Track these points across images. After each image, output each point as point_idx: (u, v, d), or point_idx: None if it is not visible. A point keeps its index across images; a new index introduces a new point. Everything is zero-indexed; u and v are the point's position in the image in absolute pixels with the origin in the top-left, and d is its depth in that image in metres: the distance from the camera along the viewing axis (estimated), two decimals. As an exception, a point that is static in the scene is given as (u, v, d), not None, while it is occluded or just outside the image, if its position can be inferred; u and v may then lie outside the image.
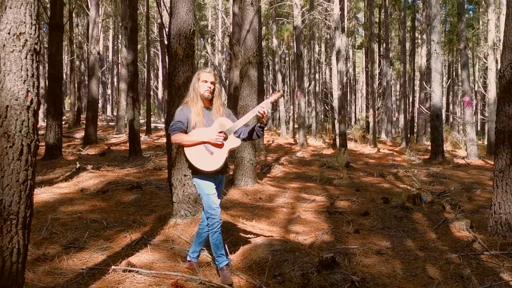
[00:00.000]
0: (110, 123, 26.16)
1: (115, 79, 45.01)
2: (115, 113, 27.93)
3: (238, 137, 4.01)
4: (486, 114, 18.72)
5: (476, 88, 33.15)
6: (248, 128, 4.04)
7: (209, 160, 3.83)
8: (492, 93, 17.32)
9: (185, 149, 3.84)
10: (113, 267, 3.97)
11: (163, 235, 5.14)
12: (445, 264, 4.46)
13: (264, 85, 27.45)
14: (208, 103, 3.97)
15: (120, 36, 29.46)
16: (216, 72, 32.89)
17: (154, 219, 5.78)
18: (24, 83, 2.64)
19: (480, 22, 31.69)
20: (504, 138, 5.19)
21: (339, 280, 3.70)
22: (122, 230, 5.28)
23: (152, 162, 11.19)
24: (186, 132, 3.84)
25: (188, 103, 3.92)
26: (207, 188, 3.87)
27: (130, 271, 3.93)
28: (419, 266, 4.43)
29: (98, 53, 16.70)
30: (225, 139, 3.86)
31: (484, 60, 20.46)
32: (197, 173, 3.86)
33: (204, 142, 3.81)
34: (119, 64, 24.76)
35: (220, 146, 3.84)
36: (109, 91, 43.75)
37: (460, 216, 6.11)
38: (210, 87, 3.91)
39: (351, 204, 7.05)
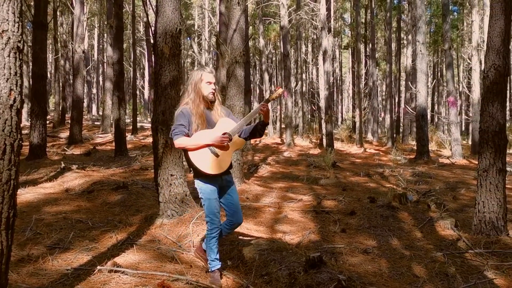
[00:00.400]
0: (95, 123, 25.92)
1: (100, 78, 44.66)
2: (100, 113, 27.69)
3: (240, 136, 3.89)
4: (470, 114, 18.94)
5: (460, 89, 33.52)
6: (250, 126, 3.92)
7: (215, 162, 3.71)
8: (476, 94, 17.53)
9: (189, 152, 3.68)
10: (98, 267, 3.93)
11: (149, 235, 5.11)
12: (430, 262, 4.50)
13: (251, 85, 27.46)
14: (208, 103, 3.83)
15: (105, 34, 29.21)
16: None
17: (140, 219, 5.74)
18: (7, 81, 2.60)
19: (465, 24, 32.09)
20: (488, 138, 5.26)
21: (325, 279, 3.70)
22: (108, 231, 5.23)
23: (138, 162, 11.11)
24: (188, 135, 3.69)
25: (189, 104, 3.75)
26: (209, 193, 3.75)
27: (115, 271, 3.90)
28: (404, 265, 4.46)
29: (83, 51, 16.54)
30: (230, 140, 3.74)
31: (469, 61, 20.71)
32: (199, 175, 3.73)
33: (209, 145, 3.67)
34: (105, 63, 24.56)
35: (225, 148, 3.73)
36: (94, 90, 43.36)
37: (445, 215, 6.17)
38: (214, 89, 3.79)
39: (337, 204, 7.07)
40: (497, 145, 5.21)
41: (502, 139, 5.24)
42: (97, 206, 6.52)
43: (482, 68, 5.47)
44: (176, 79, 5.55)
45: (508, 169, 11.89)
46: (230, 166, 3.89)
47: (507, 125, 29.62)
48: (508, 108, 33.90)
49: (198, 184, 3.78)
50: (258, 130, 3.88)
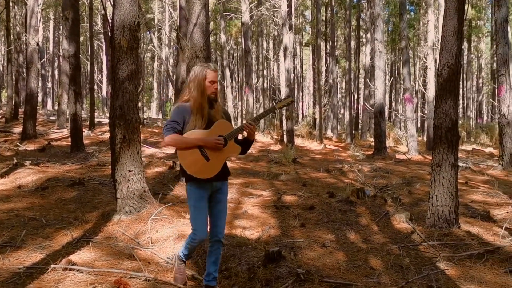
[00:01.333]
0: (51, 118, 25.09)
1: (56, 72, 43.30)
2: (56, 108, 26.88)
3: (236, 142, 3.58)
4: (426, 112, 19.52)
5: (417, 87, 34.50)
6: (241, 140, 3.64)
7: (204, 166, 3.40)
8: (431, 91, 18.08)
9: (179, 153, 3.40)
10: (52, 266, 3.82)
11: (106, 232, 5.00)
12: (386, 255, 4.61)
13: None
14: (211, 102, 3.52)
15: (61, 27, 28.34)
16: (164, 67, 32.38)
17: (97, 216, 5.60)
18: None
19: (421, 23, 33.03)
20: (441, 134, 5.43)
21: (284, 273, 3.74)
22: (63, 228, 5.08)
23: (96, 158, 10.85)
24: (181, 134, 3.41)
25: (189, 102, 3.46)
26: (195, 199, 3.43)
27: (70, 269, 3.79)
28: (361, 258, 4.55)
29: (37, 44, 15.96)
30: (225, 144, 3.44)
31: (424, 60, 21.32)
32: (189, 179, 3.43)
33: (201, 145, 3.38)
34: (61, 57, 23.83)
35: (218, 151, 3.42)
36: (49, 85, 41.98)
37: (400, 209, 6.34)
38: (216, 89, 3.52)
39: (297, 199, 7.14)
40: (449, 140, 5.39)
41: (455, 135, 5.42)
42: (52, 203, 6.32)
43: (437, 66, 5.64)
44: (134, 73, 5.44)
45: (460, 164, 12.36)
46: (226, 173, 3.59)
47: (459, 122, 30.75)
48: (460, 105, 35.20)
49: (187, 188, 3.49)
50: (243, 145, 3.61)
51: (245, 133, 3.56)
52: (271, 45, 36.77)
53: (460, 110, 35.68)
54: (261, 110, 30.21)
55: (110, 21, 5.70)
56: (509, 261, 4.34)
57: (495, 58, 12.64)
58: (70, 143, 12.43)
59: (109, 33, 5.73)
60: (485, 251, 4.60)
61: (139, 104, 18.80)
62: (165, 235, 4.89)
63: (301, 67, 44.56)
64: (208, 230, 3.54)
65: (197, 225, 3.44)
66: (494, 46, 14.65)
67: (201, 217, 3.45)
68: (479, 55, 39.70)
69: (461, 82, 35.04)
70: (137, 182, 5.47)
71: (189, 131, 3.39)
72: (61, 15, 23.60)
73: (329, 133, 26.80)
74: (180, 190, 7.51)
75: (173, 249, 4.56)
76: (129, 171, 5.41)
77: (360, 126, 26.89)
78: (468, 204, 6.83)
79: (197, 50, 8.01)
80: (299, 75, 42.18)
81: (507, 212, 6.14)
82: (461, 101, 35.86)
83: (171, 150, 13.83)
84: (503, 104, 11.33)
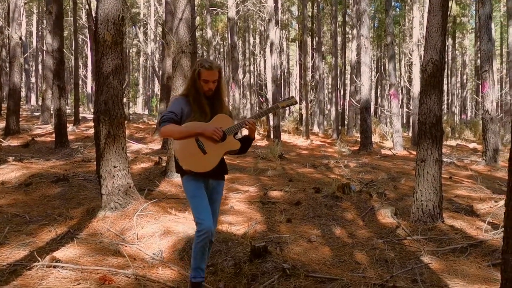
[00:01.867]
0: (35, 113, 24.76)
1: (40, 67, 42.74)
2: (40, 103, 26.52)
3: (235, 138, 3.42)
4: (411, 107, 19.69)
5: (402, 83, 34.77)
6: (240, 138, 3.46)
7: (200, 159, 3.22)
8: (416, 87, 18.23)
9: (174, 145, 3.24)
10: (36, 262, 3.77)
11: (91, 228, 4.96)
12: (371, 249, 4.65)
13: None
14: (210, 100, 3.37)
15: (44, 21, 27.91)
16: (150, 62, 32.11)
17: (81, 212, 5.55)
18: None
19: (406, 19, 33.24)
20: (425, 129, 5.48)
21: (270, 268, 3.75)
22: (47, 225, 5.02)
23: (80, 154, 10.74)
24: (178, 124, 3.25)
25: (188, 96, 3.34)
26: (193, 190, 3.25)
27: (54, 266, 3.75)
28: (347, 252, 4.58)
29: (20, 38, 15.71)
30: (223, 137, 3.27)
31: (410, 56, 21.47)
32: (184, 173, 3.26)
33: (198, 134, 3.19)
34: (44, 51, 23.49)
35: (216, 144, 3.26)
36: (33, 80, 41.43)
37: (385, 204, 6.40)
38: (211, 88, 3.33)
39: (284, 194, 7.16)
40: (434, 136, 5.45)
41: (439, 130, 5.48)
42: (35, 199, 6.24)
43: (421, 62, 5.68)
44: (118, 68, 5.38)
45: (444, 159, 12.49)
46: (223, 171, 3.43)
47: (444, 118, 31.09)
48: (445, 101, 35.57)
49: (183, 183, 3.32)
50: (243, 144, 3.44)
51: (244, 132, 3.50)
52: (257, 41, 36.70)
53: (445, 106, 36.07)
54: (248, 106, 30.19)
55: (94, 15, 5.63)
56: (491, 255, 4.40)
57: (479, 55, 12.78)
58: (54, 139, 12.28)
59: (93, 28, 5.66)
60: (468, 245, 4.66)
61: (125, 99, 18.66)
62: (151, 231, 4.86)
63: (288, 62, 44.62)
64: None
65: (200, 213, 3.18)
66: (478, 43, 14.80)
67: (203, 204, 3.22)
68: (464, 51, 40.13)
69: (445, 79, 35.41)
70: (122, 178, 5.42)
71: (188, 123, 3.24)
72: (45, 9, 23.26)
73: (316, 128, 26.90)
74: (166, 186, 7.48)
75: (159, 245, 4.54)
76: (114, 166, 5.36)
77: (346, 122, 27.02)
78: (452, 199, 6.91)
79: (182, 45, 7.96)
80: (285, 71, 42.22)
81: (490, 207, 6.22)
82: (445, 97, 36.25)
83: (157, 146, 13.75)
84: (487, 100, 11.47)
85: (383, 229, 5.45)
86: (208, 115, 3.30)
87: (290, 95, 3.10)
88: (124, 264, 4.01)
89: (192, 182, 3.26)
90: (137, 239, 4.70)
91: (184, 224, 5.12)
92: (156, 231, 4.86)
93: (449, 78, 37.28)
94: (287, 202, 6.65)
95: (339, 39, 28.45)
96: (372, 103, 33.80)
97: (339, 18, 28.67)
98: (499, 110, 22.60)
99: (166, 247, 4.50)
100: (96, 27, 5.42)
